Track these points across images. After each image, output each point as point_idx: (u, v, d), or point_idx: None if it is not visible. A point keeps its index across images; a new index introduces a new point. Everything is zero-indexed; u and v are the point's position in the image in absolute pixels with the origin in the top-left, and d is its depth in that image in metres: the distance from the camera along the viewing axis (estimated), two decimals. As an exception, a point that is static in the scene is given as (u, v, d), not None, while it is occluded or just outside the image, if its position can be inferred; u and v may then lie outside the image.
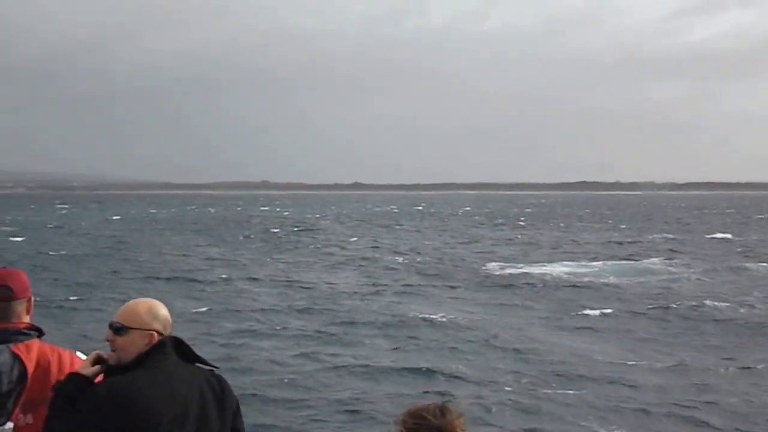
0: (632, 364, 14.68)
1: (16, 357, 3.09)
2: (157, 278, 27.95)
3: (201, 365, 2.98)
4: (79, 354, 3.30)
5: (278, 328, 18.17)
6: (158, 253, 38.68)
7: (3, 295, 3.18)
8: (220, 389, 2.92)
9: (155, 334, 2.87)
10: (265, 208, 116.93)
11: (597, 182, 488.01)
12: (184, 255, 37.24)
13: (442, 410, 2.58)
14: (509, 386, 13.02)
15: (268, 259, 35.76)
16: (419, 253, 39.24)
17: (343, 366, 14.37)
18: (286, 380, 13.35)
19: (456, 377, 13.63)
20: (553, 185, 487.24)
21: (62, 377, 2.97)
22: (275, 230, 61.22)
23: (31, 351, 3.15)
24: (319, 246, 44.33)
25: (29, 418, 3.09)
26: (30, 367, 3.11)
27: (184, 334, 3.07)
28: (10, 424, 3.03)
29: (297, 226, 66.71)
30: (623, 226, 67.12)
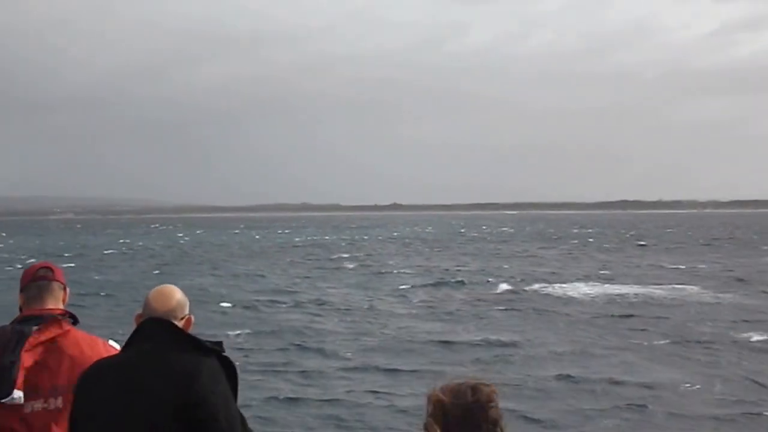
0: None
1: (20, 332, 3.14)
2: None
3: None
4: (111, 342, 3.40)
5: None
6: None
7: (44, 274, 3.34)
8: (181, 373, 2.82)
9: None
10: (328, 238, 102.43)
11: (639, 201, 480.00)
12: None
13: (474, 388, 2.56)
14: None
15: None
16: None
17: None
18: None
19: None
20: (593, 204, 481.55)
21: None
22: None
23: (62, 333, 3.23)
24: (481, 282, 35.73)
25: (59, 402, 3.13)
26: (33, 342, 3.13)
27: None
28: (18, 393, 3.05)
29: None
30: (729, 246, 63.20)
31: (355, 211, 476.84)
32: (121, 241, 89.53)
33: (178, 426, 2.75)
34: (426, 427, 2.54)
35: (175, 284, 3.16)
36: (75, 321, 3.33)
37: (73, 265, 47.53)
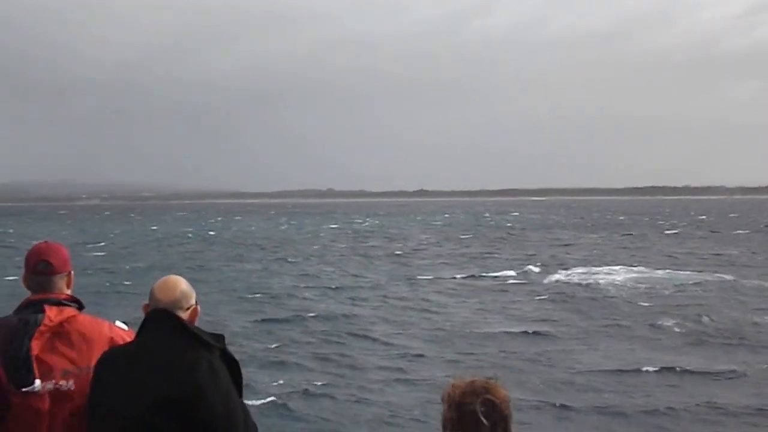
0: None
1: (25, 321, 3.15)
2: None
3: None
4: (118, 323, 3.41)
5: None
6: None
7: (44, 269, 3.30)
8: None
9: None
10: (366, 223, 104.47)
11: (667, 187, 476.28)
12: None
13: (486, 388, 2.61)
14: None
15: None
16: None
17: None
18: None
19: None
20: (621, 190, 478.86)
21: (104, 346, 3.16)
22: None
23: (68, 318, 3.23)
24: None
25: (71, 384, 3.15)
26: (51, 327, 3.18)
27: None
28: (38, 382, 3.10)
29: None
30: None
31: (382, 197, 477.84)
32: (154, 227, 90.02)
33: (177, 419, 2.79)
34: (443, 423, 2.61)
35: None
36: (80, 306, 3.35)
37: (103, 254, 48.29)
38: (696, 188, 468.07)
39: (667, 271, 33.18)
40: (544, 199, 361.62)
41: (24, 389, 3.07)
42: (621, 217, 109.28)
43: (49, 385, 3.12)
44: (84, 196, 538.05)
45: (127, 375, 2.91)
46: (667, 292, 26.50)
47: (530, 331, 19.71)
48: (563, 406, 13.01)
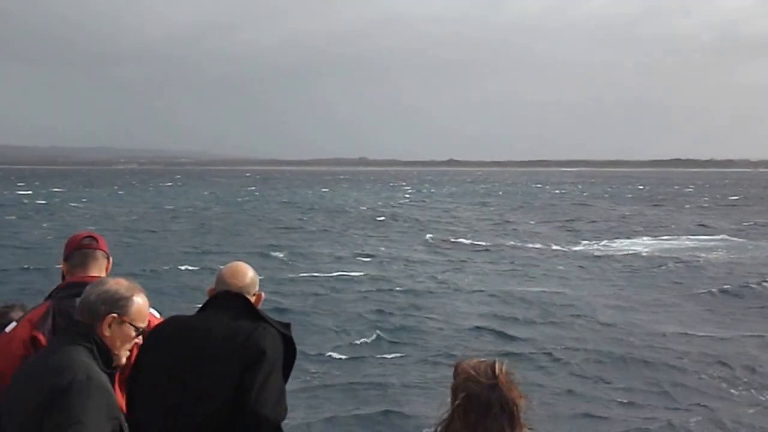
0: None
1: (67, 312, 3.16)
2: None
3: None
4: (152, 310, 3.34)
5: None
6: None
7: (89, 243, 3.49)
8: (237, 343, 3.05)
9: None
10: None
11: (691, 159, 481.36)
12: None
13: (493, 368, 2.63)
14: None
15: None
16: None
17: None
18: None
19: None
20: (646, 162, 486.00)
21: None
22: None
23: None
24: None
25: None
26: None
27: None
28: None
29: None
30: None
31: (413, 167, 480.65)
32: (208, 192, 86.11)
33: (235, 384, 2.98)
34: (451, 404, 2.65)
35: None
36: None
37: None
38: (720, 161, 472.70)
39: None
40: (573, 170, 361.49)
41: None
42: (676, 188, 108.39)
43: None
44: (122, 160, 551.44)
45: (193, 344, 3.08)
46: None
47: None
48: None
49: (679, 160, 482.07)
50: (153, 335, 3.13)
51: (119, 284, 2.97)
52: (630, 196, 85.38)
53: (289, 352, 3.19)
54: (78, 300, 3.01)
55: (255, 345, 3.02)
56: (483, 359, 2.69)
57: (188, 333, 3.13)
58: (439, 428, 2.66)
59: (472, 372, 2.62)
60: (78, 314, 2.92)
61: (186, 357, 3.07)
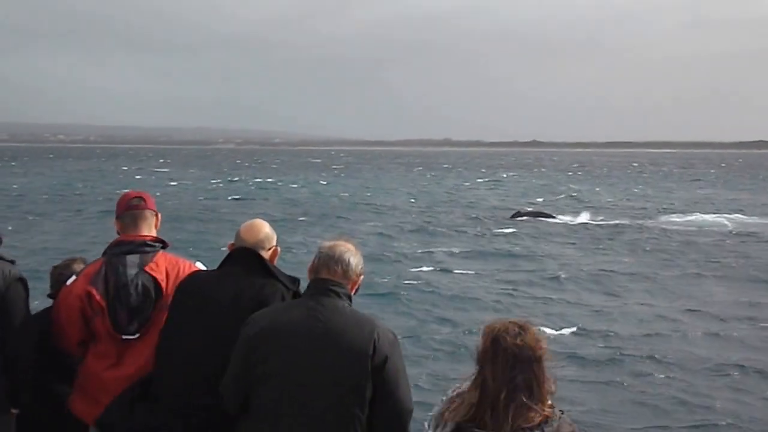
0: None
1: (145, 274, 3.48)
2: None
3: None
4: (198, 263, 3.67)
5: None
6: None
7: (137, 203, 3.65)
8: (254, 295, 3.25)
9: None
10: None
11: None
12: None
13: (522, 328, 2.67)
14: None
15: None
16: None
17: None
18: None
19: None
20: (729, 144, 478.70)
21: None
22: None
23: (160, 266, 3.55)
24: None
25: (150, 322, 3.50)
26: (163, 285, 3.50)
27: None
28: (136, 336, 3.45)
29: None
30: None
31: (497, 147, 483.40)
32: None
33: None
34: (477, 358, 2.69)
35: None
36: (164, 245, 3.66)
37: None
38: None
39: None
40: (656, 152, 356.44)
41: (125, 337, 3.46)
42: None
43: (132, 327, 3.47)
44: (221, 140, 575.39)
45: (207, 297, 3.31)
46: None
47: None
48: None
49: (764, 141, 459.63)
50: (177, 290, 3.45)
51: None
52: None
53: None
54: (128, 258, 3.49)
55: (260, 302, 3.21)
56: (509, 320, 2.72)
57: (201, 288, 3.38)
58: (466, 383, 2.70)
59: (499, 327, 2.67)
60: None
61: (199, 311, 3.32)
